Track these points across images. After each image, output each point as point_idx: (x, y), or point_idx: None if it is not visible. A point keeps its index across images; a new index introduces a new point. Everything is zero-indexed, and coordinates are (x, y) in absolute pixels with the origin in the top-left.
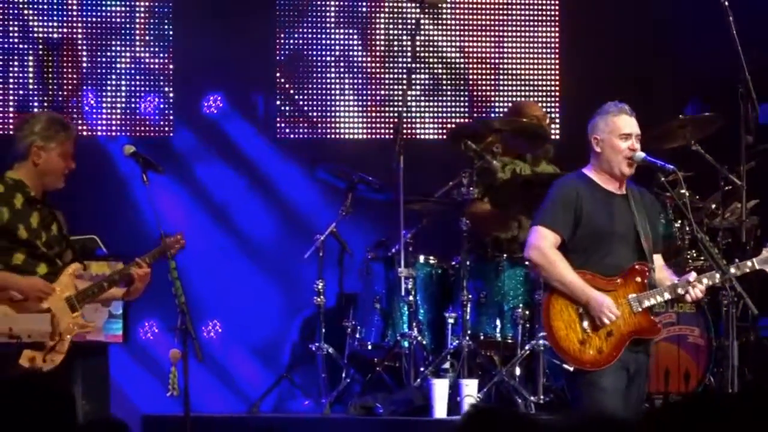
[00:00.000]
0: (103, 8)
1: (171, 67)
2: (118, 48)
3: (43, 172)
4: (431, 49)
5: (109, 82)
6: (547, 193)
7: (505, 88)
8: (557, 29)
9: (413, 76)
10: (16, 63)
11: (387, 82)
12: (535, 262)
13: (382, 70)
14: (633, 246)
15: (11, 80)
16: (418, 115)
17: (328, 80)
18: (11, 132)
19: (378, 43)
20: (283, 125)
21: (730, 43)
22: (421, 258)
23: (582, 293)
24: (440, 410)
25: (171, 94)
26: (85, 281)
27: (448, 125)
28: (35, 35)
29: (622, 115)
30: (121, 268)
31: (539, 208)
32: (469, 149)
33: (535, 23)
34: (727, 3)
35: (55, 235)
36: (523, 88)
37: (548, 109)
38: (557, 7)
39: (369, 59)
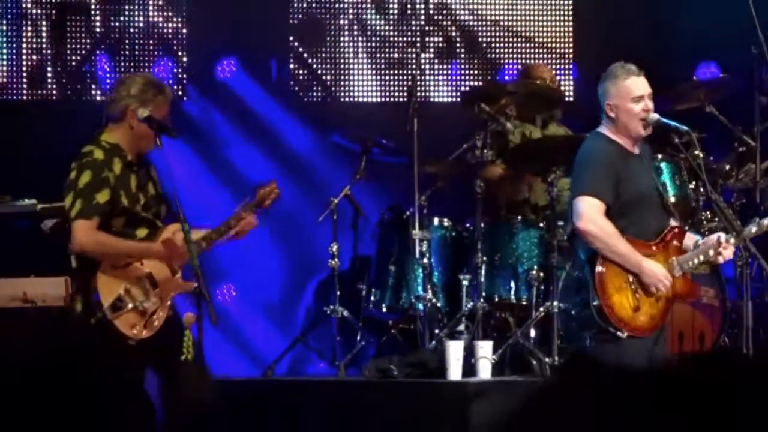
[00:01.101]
0: None
1: (184, 31)
2: (132, 11)
3: (138, 135)
4: (445, 11)
5: (122, 47)
6: (580, 159)
7: (519, 50)
8: None
9: (427, 38)
10: (29, 28)
11: (401, 45)
12: (590, 233)
13: (396, 33)
14: (659, 206)
15: (25, 45)
16: (431, 77)
17: (342, 43)
18: (25, 97)
19: (391, 5)
20: (296, 89)
21: (745, 3)
22: (436, 220)
23: (636, 264)
24: (455, 372)
25: (184, 59)
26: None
27: (462, 88)
28: (49, 0)
29: (631, 77)
30: (225, 222)
31: (577, 176)
32: (482, 112)
33: None
34: None
35: (153, 195)
36: (536, 50)
37: (562, 72)
38: None
39: (382, 22)
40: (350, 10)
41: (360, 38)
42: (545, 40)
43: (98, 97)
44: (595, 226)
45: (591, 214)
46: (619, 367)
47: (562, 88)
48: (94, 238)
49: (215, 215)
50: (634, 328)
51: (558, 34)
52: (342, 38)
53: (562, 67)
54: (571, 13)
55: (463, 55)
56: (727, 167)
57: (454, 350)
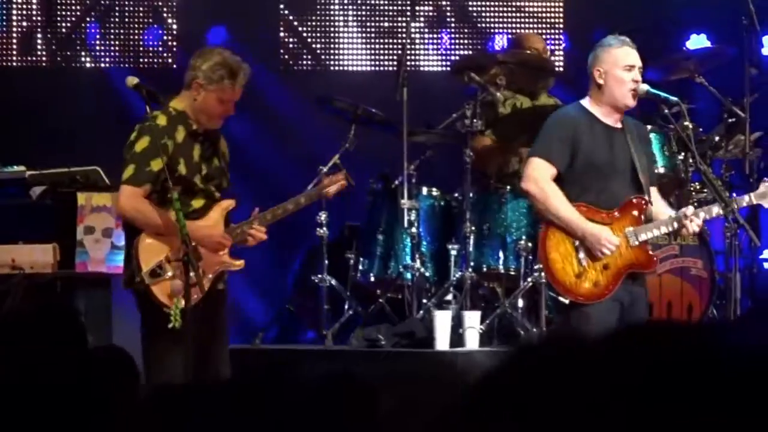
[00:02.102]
0: None
1: None
2: None
3: (199, 109)
4: None
5: (112, 14)
6: (544, 124)
7: (509, 19)
8: None
9: (417, 7)
10: None
11: (391, 13)
12: (531, 193)
13: (386, 2)
14: (630, 180)
15: (15, 12)
16: (421, 46)
17: (332, 12)
18: (14, 63)
19: None
20: (286, 57)
21: None
22: (424, 190)
23: (577, 226)
24: (442, 342)
25: (174, 26)
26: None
27: (452, 57)
28: None
29: (624, 47)
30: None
31: (536, 139)
32: (472, 81)
33: None
34: None
35: (217, 167)
36: (526, 19)
37: (551, 42)
38: None
39: None
40: None
41: (350, 7)
42: (535, 9)
43: (88, 64)
44: (537, 187)
45: (535, 174)
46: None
47: (553, 58)
48: (134, 205)
49: None
50: (578, 295)
51: (548, 4)
52: (332, 7)
53: (553, 37)
54: None
55: (453, 25)
56: (717, 138)
57: (442, 320)
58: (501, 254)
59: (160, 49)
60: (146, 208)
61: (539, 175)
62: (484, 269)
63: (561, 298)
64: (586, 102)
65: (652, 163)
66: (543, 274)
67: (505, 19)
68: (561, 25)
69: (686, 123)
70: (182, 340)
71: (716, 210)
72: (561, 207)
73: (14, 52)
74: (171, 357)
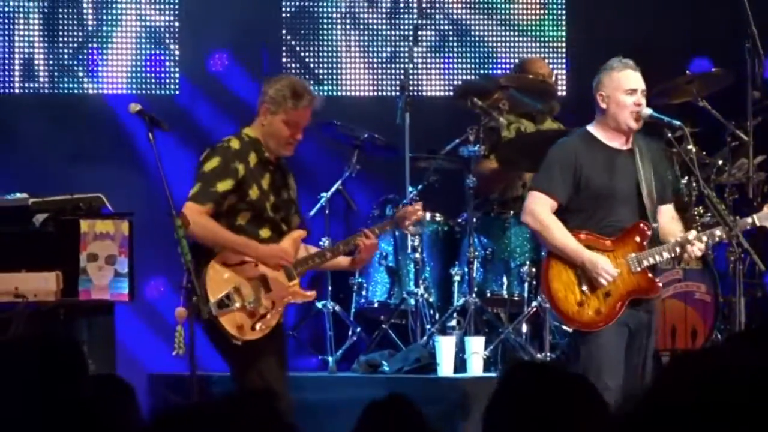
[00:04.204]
0: None
1: (176, 24)
2: (124, 5)
3: (268, 134)
4: (437, 4)
5: (114, 40)
6: (546, 155)
7: (512, 44)
8: None
9: (419, 32)
10: (21, 21)
11: (393, 38)
12: (529, 226)
13: (388, 27)
14: (635, 205)
15: (16, 39)
16: (424, 71)
17: (335, 37)
18: (16, 90)
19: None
20: None
21: None
22: (428, 215)
23: (576, 255)
24: (446, 368)
25: (176, 52)
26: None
27: (455, 82)
28: None
29: (626, 70)
30: (348, 239)
31: (538, 170)
32: (475, 106)
33: None
34: None
35: (285, 199)
36: (529, 44)
37: (554, 66)
38: None
39: (375, 15)
40: (343, 4)
41: (352, 32)
42: (538, 33)
43: (90, 91)
44: (533, 219)
45: (532, 207)
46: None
47: (557, 83)
48: (199, 221)
49: None
50: (581, 324)
51: (551, 28)
52: (334, 31)
53: (555, 61)
54: (563, 6)
55: (455, 49)
56: (720, 162)
57: (446, 346)
58: (504, 279)
59: (163, 75)
60: (212, 224)
61: (537, 209)
62: (488, 294)
63: (564, 327)
64: (591, 127)
65: (668, 180)
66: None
67: (508, 44)
68: (563, 50)
69: (689, 147)
70: (265, 352)
71: (719, 233)
72: (558, 237)
73: (16, 79)
74: (256, 368)
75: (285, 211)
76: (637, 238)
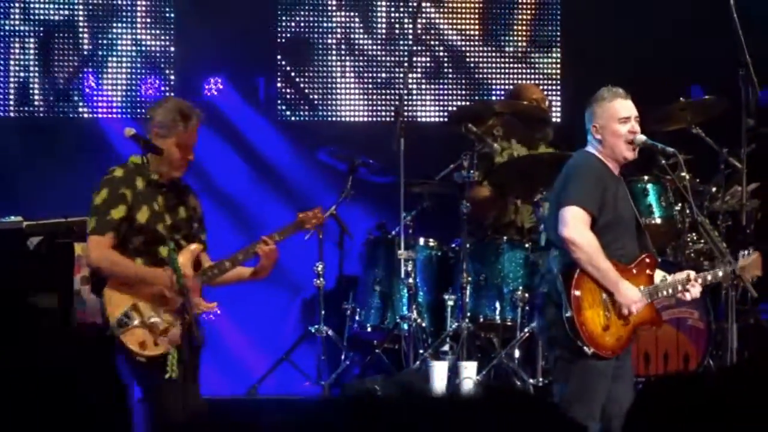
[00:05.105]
0: None
1: (172, 49)
2: (119, 30)
3: (159, 158)
4: (432, 31)
5: (110, 64)
6: (570, 169)
7: (506, 70)
8: (558, 11)
9: (414, 58)
10: (17, 45)
11: (388, 64)
12: (574, 242)
13: (384, 53)
14: (635, 233)
15: (12, 62)
16: (419, 97)
17: (330, 63)
18: (11, 114)
19: (379, 25)
20: (284, 108)
21: (731, 26)
22: (421, 240)
23: (614, 282)
24: (439, 393)
25: (172, 77)
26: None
27: (449, 108)
28: (36, 17)
29: (617, 99)
30: (247, 247)
31: (566, 185)
32: (470, 132)
33: (536, 5)
34: None
35: (184, 218)
36: (523, 70)
37: (548, 92)
38: None
39: (370, 42)
40: (338, 30)
41: (347, 57)
42: (533, 60)
43: (85, 115)
44: (581, 236)
45: (577, 223)
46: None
47: (551, 109)
48: (105, 255)
49: None
50: (601, 347)
51: (546, 55)
52: (330, 57)
53: (549, 87)
54: (558, 33)
55: (450, 75)
56: (714, 189)
57: (439, 370)
58: (497, 305)
59: (158, 99)
60: (117, 259)
61: (580, 224)
62: (481, 320)
63: (585, 348)
64: (595, 152)
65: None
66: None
67: (502, 70)
68: (558, 76)
69: (683, 174)
70: (175, 382)
71: (721, 273)
72: (601, 258)
73: (11, 103)
74: (167, 398)
75: (186, 230)
76: (648, 271)
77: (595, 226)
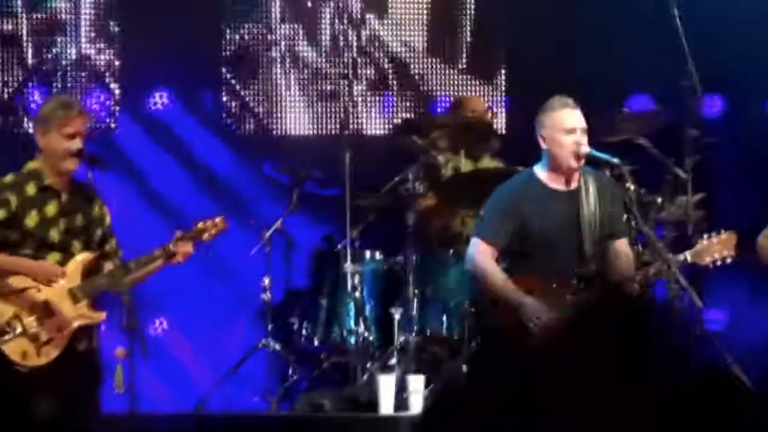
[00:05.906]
0: (49, 3)
1: (117, 63)
2: (64, 44)
3: (48, 156)
4: (377, 43)
5: (54, 78)
6: (491, 196)
7: (452, 82)
8: (505, 24)
9: (359, 70)
10: None
11: (333, 77)
12: (471, 273)
13: (328, 65)
14: (575, 247)
15: None
16: (364, 109)
17: (274, 76)
18: None
19: (324, 37)
20: (229, 121)
21: (675, 35)
22: (368, 254)
23: (516, 301)
24: (387, 406)
25: (117, 90)
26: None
27: (395, 120)
28: None
29: (565, 110)
30: (142, 258)
31: (480, 218)
32: (413, 144)
33: (481, 16)
34: None
35: (81, 224)
36: (469, 82)
37: (494, 103)
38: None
39: (314, 54)
40: (282, 42)
41: (292, 70)
42: (478, 72)
43: (30, 129)
44: (473, 266)
45: (472, 254)
46: None
47: (495, 120)
48: None
49: (147, 246)
50: None
51: (490, 66)
52: (274, 70)
53: (494, 99)
54: (503, 44)
55: (395, 87)
56: (660, 200)
57: (386, 384)
58: (444, 318)
59: (103, 113)
60: None
61: (477, 257)
62: (428, 333)
63: None
64: (538, 167)
65: (616, 214)
66: None
67: (448, 82)
68: (502, 88)
69: (628, 184)
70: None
71: (653, 271)
72: (497, 283)
73: None
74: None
75: (85, 236)
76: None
77: (516, 249)
